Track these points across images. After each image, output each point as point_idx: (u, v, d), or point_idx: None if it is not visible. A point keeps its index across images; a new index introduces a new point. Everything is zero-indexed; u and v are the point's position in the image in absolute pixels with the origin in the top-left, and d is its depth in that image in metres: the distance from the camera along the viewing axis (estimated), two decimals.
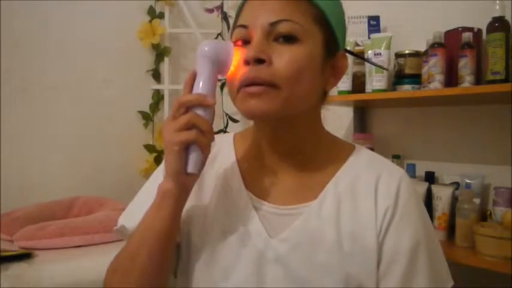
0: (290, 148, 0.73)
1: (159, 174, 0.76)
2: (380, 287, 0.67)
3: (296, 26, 0.66)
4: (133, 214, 0.73)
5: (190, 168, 0.65)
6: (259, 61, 0.64)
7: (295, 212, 0.70)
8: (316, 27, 0.68)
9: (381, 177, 0.71)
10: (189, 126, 0.63)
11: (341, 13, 0.74)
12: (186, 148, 0.64)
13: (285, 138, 0.72)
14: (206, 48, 0.67)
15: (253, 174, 0.72)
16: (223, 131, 2.06)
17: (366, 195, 0.70)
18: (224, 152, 0.79)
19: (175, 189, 0.65)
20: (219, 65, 0.67)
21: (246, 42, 0.68)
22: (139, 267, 0.66)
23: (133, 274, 0.67)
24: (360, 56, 0.92)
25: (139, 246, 0.67)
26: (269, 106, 0.65)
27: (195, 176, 0.67)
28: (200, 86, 0.66)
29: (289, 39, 0.66)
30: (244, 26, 0.68)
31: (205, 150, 0.66)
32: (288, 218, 0.70)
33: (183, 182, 0.66)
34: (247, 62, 0.65)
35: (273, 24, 0.66)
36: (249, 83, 0.65)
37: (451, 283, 0.72)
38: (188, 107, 0.65)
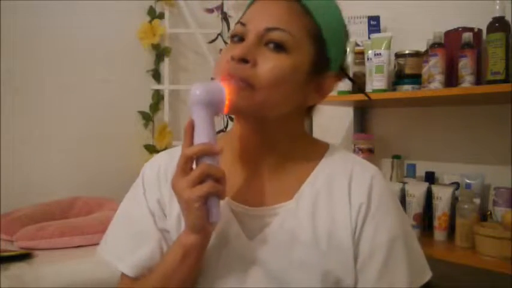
0: (265, 149, 0.74)
1: (136, 202, 0.80)
2: (358, 283, 0.69)
3: (288, 37, 0.67)
4: (124, 249, 0.75)
5: (214, 217, 0.63)
6: (244, 61, 0.66)
7: (272, 213, 0.71)
8: (309, 42, 0.70)
9: (354, 175, 0.73)
10: (203, 178, 0.62)
11: (341, 34, 0.74)
12: (205, 201, 0.63)
13: (260, 139, 0.73)
14: (198, 92, 0.64)
15: (229, 178, 0.69)
16: (223, 131, 2.05)
17: (340, 194, 0.71)
18: None
19: (200, 241, 0.65)
20: (215, 106, 0.65)
21: (241, 39, 0.70)
22: None
23: None
24: (353, 81, 0.93)
25: None
26: (243, 103, 0.66)
27: (216, 222, 0.66)
28: (202, 134, 0.64)
29: (278, 47, 0.67)
30: (243, 24, 0.70)
31: (222, 197, 0.64)
32: (265, 219, 0.71)
33: (207, 233, 0.66)
34: (232, 59, 0.67)
35: (268, 30, 0.68)
36: (226, 77, 0.66)
37: (429, 275, 0.74)
38: (195, 159, 0.63)
